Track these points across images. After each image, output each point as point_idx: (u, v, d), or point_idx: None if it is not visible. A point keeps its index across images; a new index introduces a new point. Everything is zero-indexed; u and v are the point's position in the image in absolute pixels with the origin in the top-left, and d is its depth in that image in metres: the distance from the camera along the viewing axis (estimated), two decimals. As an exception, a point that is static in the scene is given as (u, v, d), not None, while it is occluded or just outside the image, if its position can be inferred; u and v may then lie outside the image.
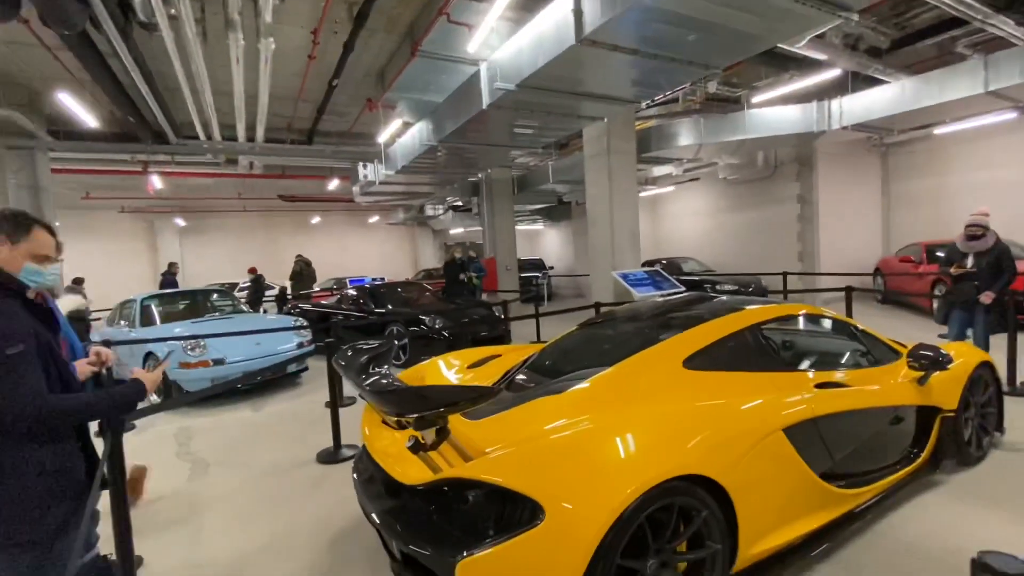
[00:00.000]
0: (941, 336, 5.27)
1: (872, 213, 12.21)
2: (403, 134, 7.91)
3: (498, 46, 5.32)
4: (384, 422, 2.53)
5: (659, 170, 11.49)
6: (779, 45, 5.69)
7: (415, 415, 1.68)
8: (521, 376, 2.63)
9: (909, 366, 2.74)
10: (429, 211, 17.63)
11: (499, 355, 3.27)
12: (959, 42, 7.31)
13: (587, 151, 7.91)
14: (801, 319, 2.86)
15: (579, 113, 5.69)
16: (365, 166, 8.99)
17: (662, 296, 9.02)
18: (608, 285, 7.85)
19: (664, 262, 11.89)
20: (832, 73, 7.44)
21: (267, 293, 11.85)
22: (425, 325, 6.91)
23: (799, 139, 9.83)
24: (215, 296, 7.57)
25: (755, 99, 8.75)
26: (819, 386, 2.43)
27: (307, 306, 9.21)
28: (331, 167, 12.04)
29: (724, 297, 3.09)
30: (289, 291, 11.84)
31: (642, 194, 13.15)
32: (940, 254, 8.94)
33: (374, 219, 20.03)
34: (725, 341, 2.46)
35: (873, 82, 7.84)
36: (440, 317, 7.02)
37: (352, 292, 8.43)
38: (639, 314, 3.01)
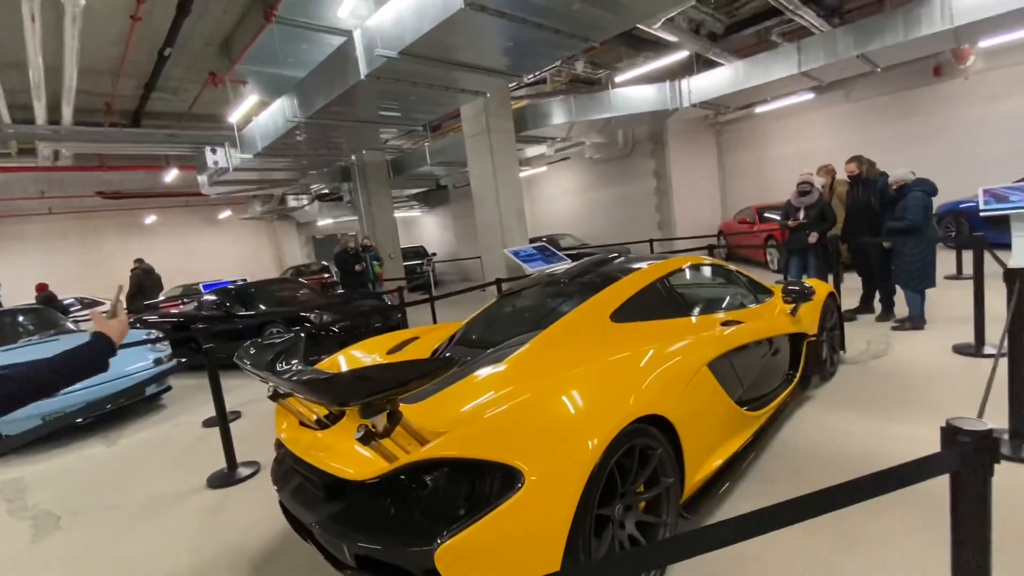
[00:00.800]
0: (777, 282, 6.24)
1: (712, 183, 13.96)
2: (260, 113, 7.03)
3: (367, 15, 4.94)
4: (302, 423, 2.26)
5: (532, 150, 11.83)
6: (638, 26, 6.14)
7: (363, 400, 1.49)
8: (453, 353, 2.52)
9: (784, 300, 3.17)
10: (292, 202, 16.14)
11: (416, 337, 3.10)
12: (773, 31, 8.58)
13: (467, 131, 7.82)
14: (694, 269, 3.13)
15: (460, 86, 5.56)
16: (214, 151, 7.85)
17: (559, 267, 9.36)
18: (499, 263, 7.92)
19: (545, 239, 12.40)
20: (681, 55, 8.26)
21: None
22: (310, 323, 6.33)
23: (653, 118, 10.80)
24: (26, 316, 6.11)
25: (617, 79, 9.38)
26: (723, 324, 2.70)
27: (154, 318, 7.88)
28: (167, 155, 10.33)
29: (621, 258, 3.26)
30: (124, 305, 9.94)
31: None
32: (768, 215, 10.58)
33: (225, 214, 17.74)
34: (641, 294, 2.60)
35: (712, 66, 8.87)
36: (326, 312, 6.49)
37: (213, 297, 7.39)
38: (552, 280, 3.05)
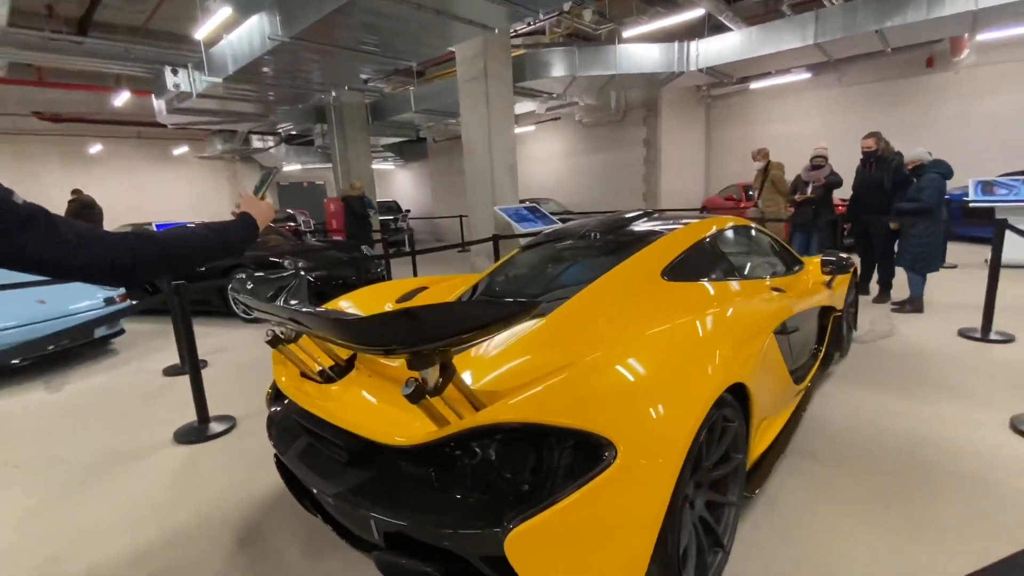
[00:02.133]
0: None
1: (698, 158, 13.81)
2: (233, 30, 6.22)
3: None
4: (303, 374, 1.93)
5: (522, 107, 11.25)
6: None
7: (420, 347, 1.15)
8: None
9: (823, 271, 2.98)
10: (257, 143, 14.97)
11: (425, 287, 2.77)
12: (784, 2, 8.28)
13: (462, 75, 7.24)
14: (736, 231, 2.89)
15: (468, 16, 5.02)
16: (176, 72, 6.96)
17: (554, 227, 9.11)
18: (488, 221, 7.53)
19: (527, 203, 12.00)
20: (693, 14, 7.85)
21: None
22: (284, 268, 5.81)
23: (648, 83, 10.42)
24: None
25: (624, 35, 8.90)
26: (773, 290, 2.49)
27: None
28: (118, 74, 9.21)
29: (655, 214, 2.98)
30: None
31: (503, 132, 12.91)
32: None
33: (181, 150, 16.31)
34: (692, 251, 2.34)
35: (719, 31, 8.52)
36: (301, 259, 5.98)
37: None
38: (583, 234, 2.74)
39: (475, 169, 7.50)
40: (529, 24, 8.72)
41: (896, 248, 4.88)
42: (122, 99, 10.19)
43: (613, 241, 2.53)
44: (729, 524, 1.67)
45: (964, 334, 3.96)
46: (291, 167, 17.62)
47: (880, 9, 6.66)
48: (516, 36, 9.30)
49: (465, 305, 1.32)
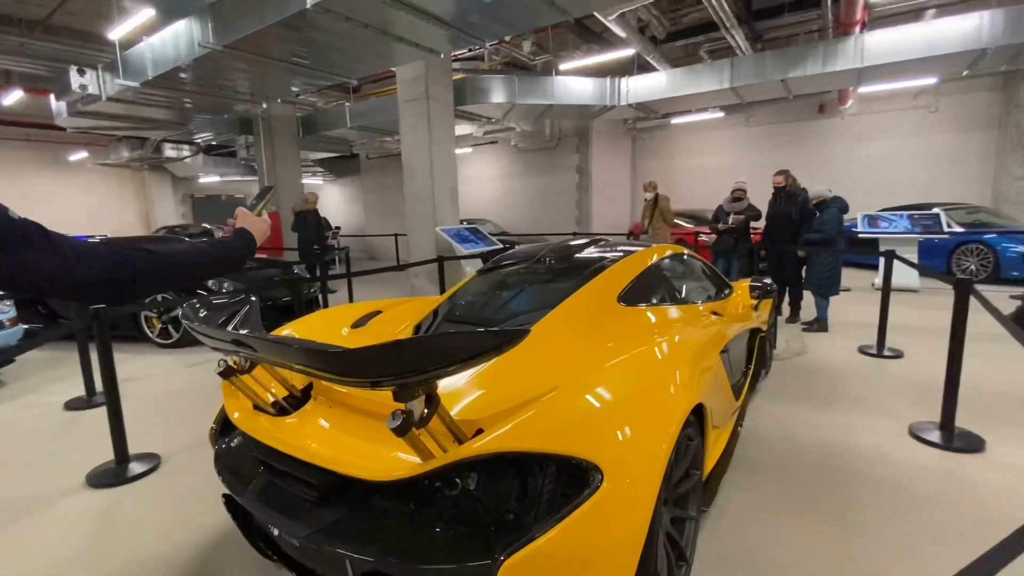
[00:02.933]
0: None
1: (625, 186, 14.62)
2: (155, 32, 5.77)
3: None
4: (256, 407, 1.82)
5: (460, 129, 11.35)
6: (595, 14, 6.08)
7: (411, 379, 1.15)
8: (445, 331, 2.20)
9: (751, 295, 3.27)
10: (170, 151, 13.87)
11: (379, 312, 2.72)
12: (702, 47, 9.10)
13: (403, 95, 7.22)
14: (676, 258, 3.11)
15: (414, 39, 5.04)
16: (83, 72, 6.32)
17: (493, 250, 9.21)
18: (429, 242, 7.47)
19: (464, 223, 12.04)
20: (623, 52, 8.39)
21: None
22: (210, 291, 5.40)
23: (580, 114, 10.95)
24: None
25: (560, 67, 9.31)
26: (713, 314, 2.70)
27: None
28: (8, 69, 8.22)
29: (601, 241, 3.14)
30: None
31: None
32: (677, 220, 11.29)
33: (78, 156, 14.72)
34: (642, 277, 2.50)
35: (646, 70, 9.16)
36: (228, 280, 5.59)
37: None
38: (537, 259, 2.82)
39: (416, 189, 7.44)
40: (470, 50, 8.90)
41: (804, 273, 5.44)
42: (12, 98, 9.07)
43: (567, 267, 2.63)
44: (690, 538, 1.77)
45: (863, 351, 4.48)
46: (208, 179, 16.51)
47: (784, 61, 7.54)
48: (456, 60, 9.44)
49: (454, 336, 1.32)
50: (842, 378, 3.84)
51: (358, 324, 2.52)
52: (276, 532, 1.54)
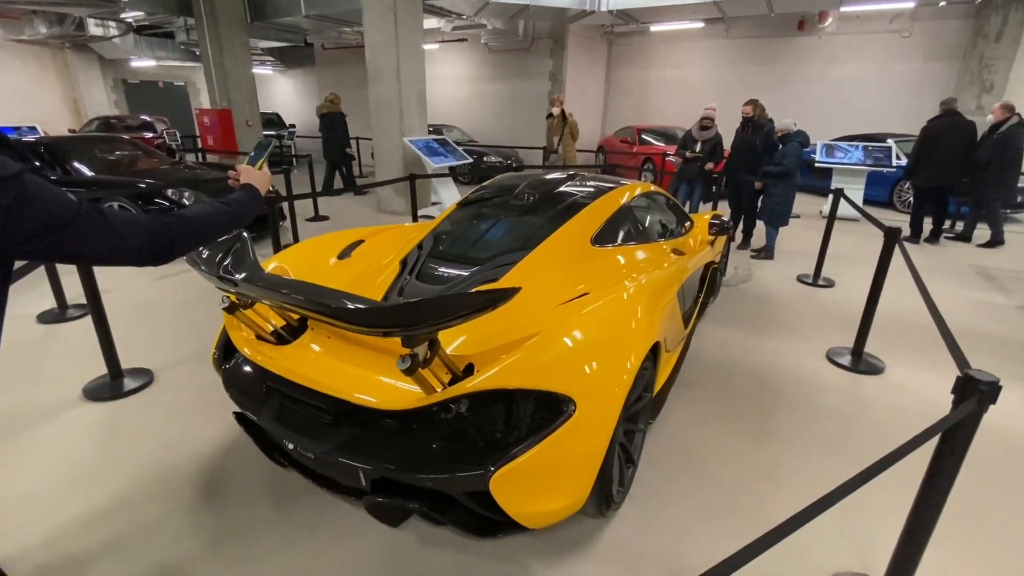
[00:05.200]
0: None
1: (598, 96, 14.19)
2: None
3: None
4: (259, 337, 1.99)
5: (427, 23, 10.47)
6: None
7: (422, 330, 1.34)
8: (433, 267, 2.35)
9: (710, 231, 3.53)
10: (95, 29, 12.22)
11: (361, 240, 2.83)
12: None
13: (366, -15, 6.58)
14: (646, 196, 3.28)
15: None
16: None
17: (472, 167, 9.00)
18: (396, 152, 7.27)
19: (431, 129, 11.53)
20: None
21: None
22: (170, 201, 5.20)
23: (556, 16, 10.28)
24: None
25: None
26: (674, 252, 2.95)
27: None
28: None
29: (576, 176, 3.25)
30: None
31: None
32: (646, 137, 11.26)
33: (-16, 29, 12.78)
34: (613, 219, 2.68)
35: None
36: (190, 190, 5.37)
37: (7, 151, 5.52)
38: (517, 194, 2.93)
39: (381, 94, 7.06)
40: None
41: (759, 204, 5.75)
42: None
43: (546, 204, 2.76)
44: (638, 445, 2.15)
45: (800, 279, 4.95)
46: (142, 62, 14.82)
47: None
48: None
49: (455, 297, 1.49)
50: (779, 305, 4.30)
51: (344, 255, 2.63)
52: (291, 447, 1.79)
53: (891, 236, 3.00)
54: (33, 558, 1.76)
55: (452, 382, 1.56)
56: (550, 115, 9.02)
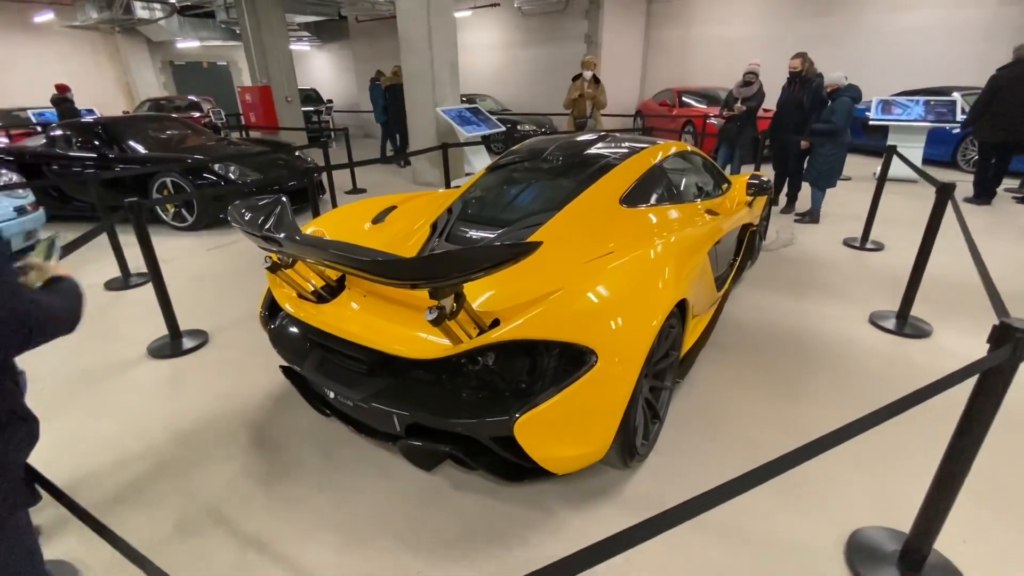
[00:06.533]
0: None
1: (635, 59, 13.63)
2: None
3: None
4: (301, 295, 2.10)
5: (458, -11, 10.32)
6: None
7: (446, 282, 1.41)
8: (462, 229, 2.41)
9: (748, 192, 3.42)
10: (141, 11, 12.66)
11: (394, 206, 2.90)
12: None
13: (396, -49, 6.51)
14: (679, 156, 3.20)
15: None
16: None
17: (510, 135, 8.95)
18: (429, 123, 7.29)
19: (464, 99, 11.46)
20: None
21: None
22: (216, 175, 5.46)
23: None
24: None
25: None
26: (708, 212, 2.89)
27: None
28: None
29: (608, 136, 3.20)
30: None
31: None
32: (687, 99, 10.82)
33: (44, 17, 13.46)
34: (644, 179, 2.64)
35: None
36: (235, 164, 5.61)
37: (69, 131, 5.90)
38: (546, 157, 2.92)
39: (414, 65, 7.06)
40: None
41: (805, 165, 5.48)
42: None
43: (574, 166, 2.75)
44: (664, 402, 2.18)
45: (847, 243, 4.73)
46: (187, 43, 15.27)
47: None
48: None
49: (478, 249, 1.54)
50: (821, 269, 4.14)
51: (377, 220, 2.72)
52: (332, 395, 1.92)
53: (943, 193, 2.82)
54: (102, 484, 1.99)
55: (479, 334, 1.63)
56: (578, 76, 8.65)
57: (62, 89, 9.09)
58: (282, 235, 1.60)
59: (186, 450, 2.19)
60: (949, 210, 2.79)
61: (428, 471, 1.98)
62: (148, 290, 3.98)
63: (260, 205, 2.04)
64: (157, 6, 12.70)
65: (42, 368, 2.87)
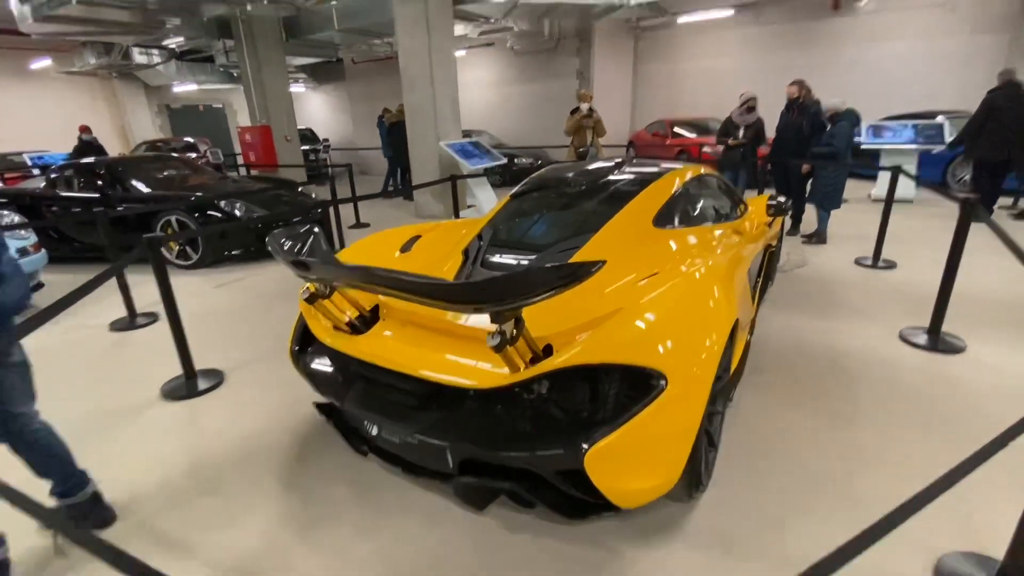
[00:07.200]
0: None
1: (625, 92, 14.03)
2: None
3: None
4: (336, 327, 2.02)
5: (455, 29, 10.60)
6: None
7: (511, 305, 1.34)
8: (496, 255, 2.36)
9: (768, 212, 3.42)
10: (139, 57, 12.87)
11: (419, 236, 2.86)
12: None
13: (398, -6, 6.71)
14: (700, 179, 3.21)
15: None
16: (46, -30, 5.71)
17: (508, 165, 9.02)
18: (432, 157, 7.35)
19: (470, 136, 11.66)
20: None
21: None
22: (222, 212, 5.40)
23: (583, 13, 10.24)
24: None
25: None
26: (735, 233, 2.87)
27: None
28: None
29: (626, 162, 3.21)
30: None
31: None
32: (679, 130, 11.09)
33: (41, 63, 13.61)
34: (673, 200, 2.63)
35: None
36: (240, 201, 5.56)
37: (71, 172, 5.84)
38: (570, 182, 2.92)
39: (416, 100, 7.17)
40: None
41: (808, 187, 5.56)
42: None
43: (601, 191, 2.74)
44: (718, 427, 2.09)
45: (859, 262, 4.75)
46: (184, 87, 15.50)
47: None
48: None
49: (542, 270, 1.47)
50: (840, 288, 4.13)
51: (405, 248, 2.67)
52: (375, 432, 1.81)
53: (967, 208, 2.84)
54: (126, 540, 1.83)
55: (533, 361, 1.55)
56: (576, 110, 8.87)
57: (84, 130, 9.32)
58: (338, 264, 1.53)
59: (213, 498, 2.05)
60: (949, 226, 2.80)
61: (480, 511, 1.86)
62: (155, 330, 3.86)
63: (298, 234, 1.98)
64: (155, 52, 12.92)
65: (50, 414, 2.69)
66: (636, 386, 1.53)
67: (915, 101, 10.38)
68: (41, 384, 2.95)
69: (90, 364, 3.34)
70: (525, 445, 1.50)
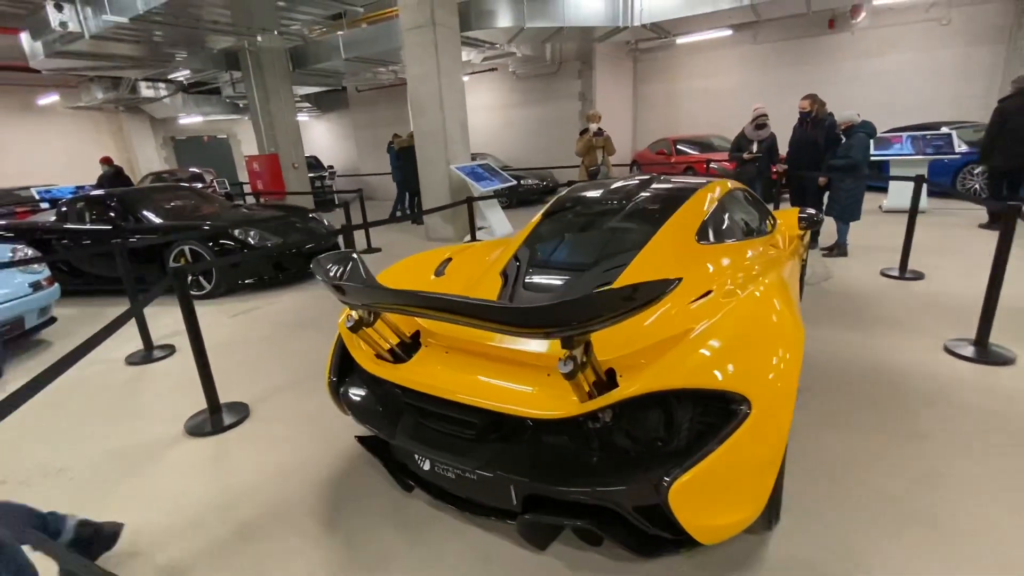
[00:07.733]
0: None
1: (626, 112, 14.19)
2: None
3: None
4: (379, 356, 1.93)
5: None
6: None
7: (580, 329, 1.25)
8: (537, 276, 2.28)
9: (800, 226, 3.36)
10: (146, 91, 13.05)
11: (449, 258, 2.78)
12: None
13: (406, 22, 6.80)
14: (734, 193, 3.15)
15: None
16: (60, 7, 5.79)
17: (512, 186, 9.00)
18: (442, 180, 7.35)
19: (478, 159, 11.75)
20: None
21: None
22: (236, 241, 5.35)
23: (585, 36, 10.41)
24: None
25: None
26: (771, 247, 2.80)
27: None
28: (-34, 6, 7.47)
29: (659, 177, 3.17)
30: None
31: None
32: (682, 147, 11.17)
33: (49, 99, 13.78)
34: (712, 216, 2.56)
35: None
36: (254, 229, 5.52)
37: (67, 207, 5.82)
38: (604, 199, 2.87)
39: (426, 125, 7.20)
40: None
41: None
42: (-28, 37, 8.32)
43: (637, 206, 2.68)
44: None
45: (884, 273, 4.67)
46: (190, 119, 15.68)
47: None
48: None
49: (619, 290, 1.39)
50: (871, 301, 4.04)
51: (439, 272, 2.59)
52: (427, 467, 1.71)
53: (1013, 214, 2.77)
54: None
55: (596, 386, 1.46)
56: (585, 131, 8.96)
57: (107, 161, 9.39)
58: (393, 290, 1.45)
59: (247, 543, 1.92)
60: (967, 235, 2.73)
61: (543, 549, 1.73)
62: (172, 363, 3.76)
63: (334, 260, 1.91)
64: (162, 86, 13.10)
65: (69, 454, 2.61)
66: (715, 412, 1.43)
67: (913, 114, 10.48)
68: (61, 423, 2.84)
69: (110, 401, 3.23)
70: (599, 480, 1.39)
